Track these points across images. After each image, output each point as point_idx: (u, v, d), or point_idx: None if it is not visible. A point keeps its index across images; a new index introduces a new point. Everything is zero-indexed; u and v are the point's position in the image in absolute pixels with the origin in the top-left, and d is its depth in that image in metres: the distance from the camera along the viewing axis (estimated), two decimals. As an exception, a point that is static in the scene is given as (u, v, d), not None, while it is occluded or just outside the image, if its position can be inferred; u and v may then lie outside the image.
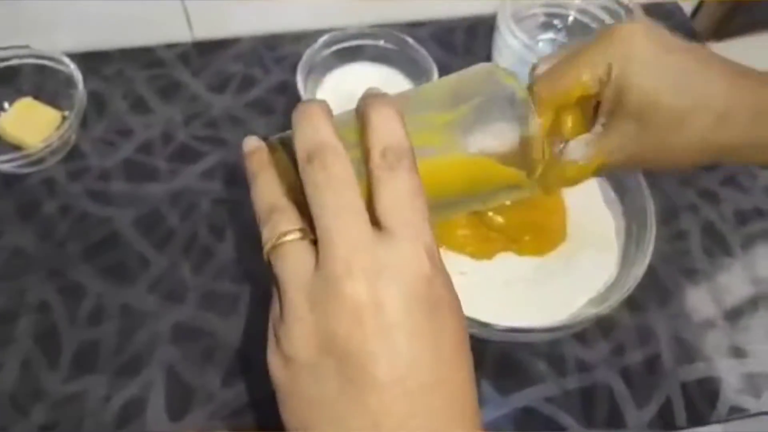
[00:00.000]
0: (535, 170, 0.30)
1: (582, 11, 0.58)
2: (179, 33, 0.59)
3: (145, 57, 0.59)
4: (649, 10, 0.56)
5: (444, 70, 0.53)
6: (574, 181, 0.34)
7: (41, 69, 0.52)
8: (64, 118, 0.52)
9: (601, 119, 0.33)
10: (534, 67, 0.35)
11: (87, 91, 0.52)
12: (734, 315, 0.48)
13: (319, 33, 0.54)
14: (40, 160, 0.50)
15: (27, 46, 0.52)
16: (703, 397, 0.44)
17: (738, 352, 0.47)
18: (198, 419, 0.42)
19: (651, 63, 0.31)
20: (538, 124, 0.30)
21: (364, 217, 0.23)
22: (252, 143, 0.27)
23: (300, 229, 0.24)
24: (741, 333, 0.47)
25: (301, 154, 0.24)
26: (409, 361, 0.22)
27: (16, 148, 0.50)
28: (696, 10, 0.71)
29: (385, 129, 0.24)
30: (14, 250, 0.48)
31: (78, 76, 0.51)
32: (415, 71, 0.54)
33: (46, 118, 0.51)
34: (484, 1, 0.62)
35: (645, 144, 0.32)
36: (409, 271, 0.23)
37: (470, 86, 0.30)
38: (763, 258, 0.51)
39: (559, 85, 0.33)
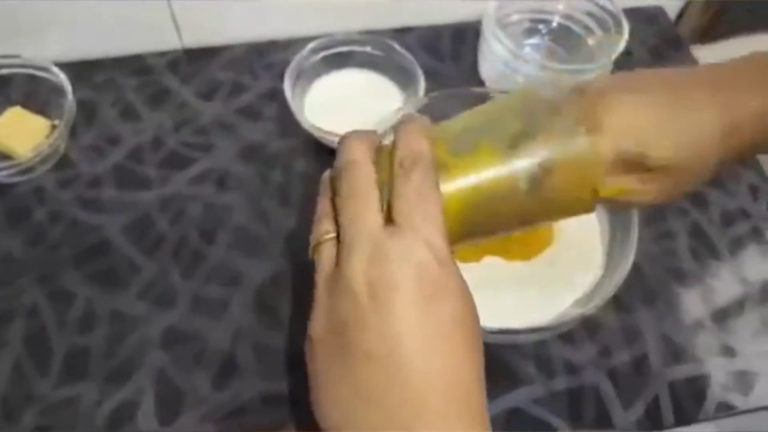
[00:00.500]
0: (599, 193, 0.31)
1: (566, 16, 0.59)
2: (169, 41, 0.60)
3: (134, 65, 0.59)
4: (633, 15, 0.56)
5: (431, 76, 0.54)
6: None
7: (30, 78, 0.53)
8: (53, 126, 0.52)
9: None
10: None
11: (76, 100, 0.52)
12: (721, 315, 0.49)
13: (308, 40, 0.54)
14: (29, 169, 0.50)
15: (17, 56, 0.52)
16: (691, 396, 0.45)
17: (726, 351, 0.47)
18: (188, 423, 0.42)
19: (654, 124, 0.30)
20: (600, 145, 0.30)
21: (375, 213, 0.26)
22: (325, 174, 0.31)
23: (337, 232, 0.28)
24: (728, 333, 0.48)
25: (336, 170, 0.29)
26: (394, 340, 0.24)
27: (5, 157, 0.50)
28: (680, 14, 0.71)
29: (406, 141, 0.28)
30: (4, 257, 0.48)
31: (67, 85, 0.51)
32: (402, 77, 0.55)
33: (36, 127, 0.52)
34: (470, 8, 0.63)
35: (660, 185, 0.32)
36: (404, 257, 0.25)
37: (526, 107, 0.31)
38: (750, 258, 0.52)
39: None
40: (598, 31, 0.57)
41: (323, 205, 0.30)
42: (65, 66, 0.53)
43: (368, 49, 0.55)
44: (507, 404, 0.44)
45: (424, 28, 0.63)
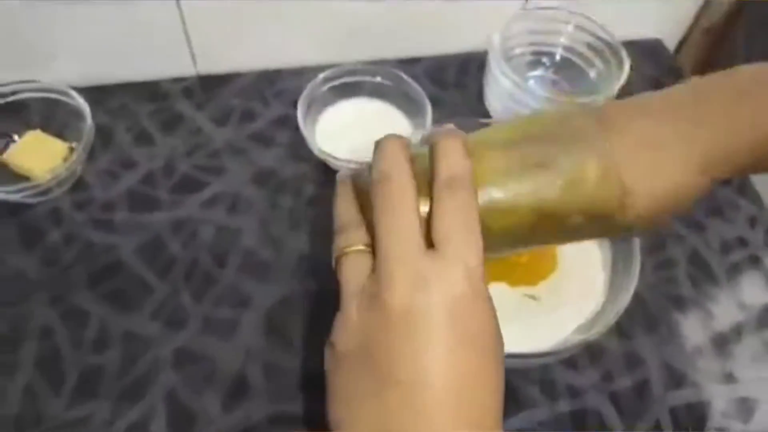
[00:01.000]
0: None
1: (568, 49, 0.61)
2: (184, 68, 0.62)
3: (149, 90, 0.61)
4: (633, 47, 0.58)
5: (437, 105, 0.56)
6: None
7: (49, 102, 0.54)
8: (71, 149, 0.53)
9: None
10: None
11: (93, 124, 0.53)
12: (721, 341, 0.50)
13: (317, 69, 0.56)
14: (47, 191, 0.52)
15: (36, 81, 0.54)
16: (692, 422, 0.46)
17: (725, 378, 0.48)
18: (198, 444, 0.43)
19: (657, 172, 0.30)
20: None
21: (416, 233, 0.26)
22: (344, 171, 0.32)
23: (365, 243, 0.28)
24: (728, 359, 0.49)
25: (372, 177, 0.28)
26: (427, 369, 0.25)
27: (24, 178, 0.51)
28: (679, 46, 0.73)
29: (450, 158, 0.28)
30: (18, 277, 0.49)
31: (86, 109, 0.53)
32: (410, 106, 0.57)
33: (54, 150, 0.53)
34: (474, 39, 0.65)
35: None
36: (442, 286, 0.25)
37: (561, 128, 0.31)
38: (748, 285, 0.53)
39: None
40: (599, 64, 0.59)
41: (347, 210, 0.29)
42: (81, 91, 0.54)
43: (378, 78, 0.57)
44: (512, 427, 0.44)
45: (431, 59, 0.65)
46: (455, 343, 0.25)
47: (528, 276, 0.47)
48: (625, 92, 0.55)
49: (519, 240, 0.31)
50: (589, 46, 0.59)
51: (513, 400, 0.45)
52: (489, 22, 0.58)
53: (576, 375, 0.47)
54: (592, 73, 0.59)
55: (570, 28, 0.60)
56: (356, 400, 0.26)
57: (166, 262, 0.50)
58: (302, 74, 0.60)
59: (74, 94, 0.54)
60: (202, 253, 0.51)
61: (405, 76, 0.56)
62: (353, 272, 0.27)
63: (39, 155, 0.52)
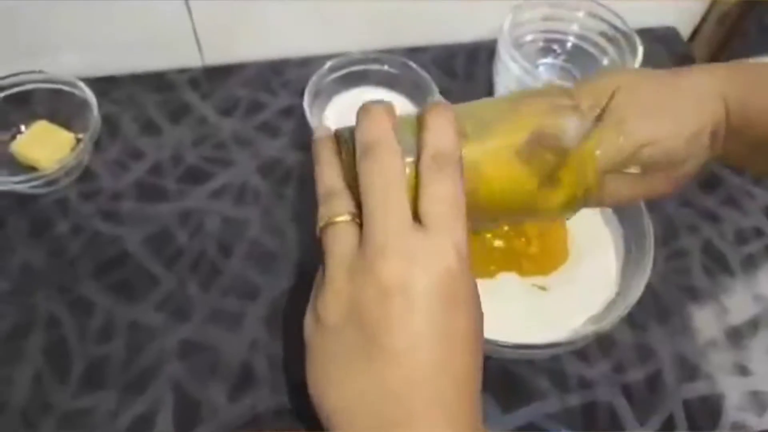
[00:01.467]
0: (587, 184, 0.31)
1: (580, 37, 0.60)
2: (190, 58, 0.61)
3: (156, 81, 0.60)
4: (647, 35, 0.57)
5: (446, 94, 0.55)
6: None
7: (56, 93, 0.54)
8: (78, 140, 0.53)
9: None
10: None
11: (100, 115, 0.53)
12: (735, 333, 0.49)
13: (325, 58, 0.56)
14: (54, 181, 0.52)
15: (43, 71, 0.53)
16: (706, 415, 0.45)
17: (740, 370, 0.47)
18: (204, 434, 0.42)
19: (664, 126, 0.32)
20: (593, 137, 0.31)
21: (406, 208, 0.26)
22: (322, 131, 0.31)
23: (351, 213, 0.27)
24: (743, 351, 0.48)
25: (359, 146, 0.27)
26: (417, 340, 0.25)
27: (31, 169, 0.51)
28: (693, 35, 0.72)
29: (438, 133, 0.27)
30: (26, 268, 0.49)
31: (93, 100, 0.53)
32: (418, 95, 0.56)
33: (61, 141, 0.53)
34: (484, 27, 0.64)
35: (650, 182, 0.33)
36: (435, 261, 0.25)
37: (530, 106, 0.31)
38: (764, 277, 0.52)
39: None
40: (612, 52, 0.57)
41: (331, 176, 0.29)
42: (88, 81, 0.54)
43: (385, 67, 0.56)
44: (521, 419, 0.44)
45: (439, 47, 0.65)
46: (445, 316, 0.25)
47: (538, 266, 0.46)
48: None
49: (499, 213, 0.32)
50: (602, 33, 0.58)
51: (522, 391, 0.45)
52: (499, 11, 0.57)
53: (587, 366, 0.46)
54: (605, 61, 0.58)
55: (582, 15, 0.59)
56: (348, 372, 0.25)
57: (172, 253, 0.50)
58: (309, 64, 0.60)
59: (81, 84, 0.53)
60: (208, 243, 0.51)
61: (413, 65, 0.55)
62: (340, 243, 0.27)
63: (46, 146, 0.52)
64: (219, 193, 0.54)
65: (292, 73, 0.62)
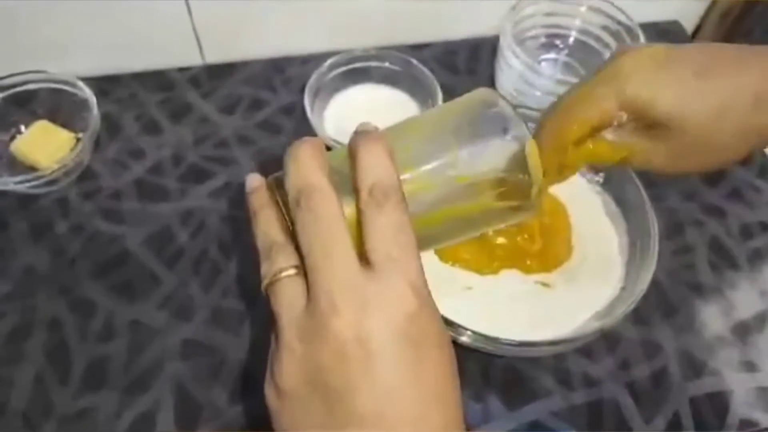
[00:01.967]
0: (535, 190, 0.30)
1: (583, 31, 0.59)
2: (190, 57, 0.61)
3: (156, 80, 0.60)
4: (650, 29, 0.57)
5: (448, 91, 0.54)
6: (597, 159, 0.34)
7: (56, 92, 0.54)
8: (77, 140, 0.53)
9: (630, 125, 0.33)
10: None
11: (100, 114, 0.53)
12: (742, 329, 0.48)
13: (326, 55, 0.55)
14: (54, 181, 0.51)
15: (43, 71, 0.53)
16: (712, 412, 0.44)
17: (747, 366, 0.46)
18: (206, 435, 0.42)
19: (665, 78, 0.31)
20: (531, 141, 0.30)
21: (350, 254, 0.24)
22: (254, 182, 0.29)
23: (295, 266, 0.25)
24: (750, 347, 0.47)
25: (291, 195, 0.25)
26: (388, 396, 0.23)
27: (31, 169, 0.51)
28: (697, 29, 0.71)
29: (373, 166, 0.25)
30: (27, 268, 0.49)
31: (92, 99, 0.52)
32: (419, 92, 0.56)
33: (61, 140, 0.53)
34: (486, 23, 0.63)
35: (679, 149, 0.32)
36: (392, 307, 0.23)
37: (463, 117, 0.30)
38: (770, 272, 0.51)
39: (563, 131, 0.33)
40: (615, 46, 0.57)
41: (269, 229, 0.27)
42: (89, 81, 0.54)
43: (386, 64, 0.56)
44: (526, 417, 0.43)
45: (441, 44, 0.64)
46: (413, 364, 0.23)
47: (542, 264, 0.46)
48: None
49: (451, 232, 0.31)
50: (605, 27, 0.58)
51: (526, 389, 0.44)
52: (501, 6, 0.56)
53: (592, 363, 0.46)
54: (607, 56, 0.57)
55: (584, 9, 0.58)
56: None
57: (173, 253, 0.50)
58: (310, 61, 0.59)
59: (81, 84, 0.53)
60: (210, 243, 0.50)
61: (414, 62, 0.55)
62: (288, 302, 0.25)
63: (46, 145, 0.52)
64: (221, 191, 0.53)
65: (293, 71, 0.61)
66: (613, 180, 0.48)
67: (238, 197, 0.53)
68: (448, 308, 0.34)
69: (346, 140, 0.50)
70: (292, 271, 0.25)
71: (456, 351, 0.26)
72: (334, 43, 0.61)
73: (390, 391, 0.23)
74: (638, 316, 0.47)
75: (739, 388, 0.45)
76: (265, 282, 0.26)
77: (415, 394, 0.23)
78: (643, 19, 0.59)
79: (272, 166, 0.54)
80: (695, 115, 0.31)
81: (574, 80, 0.53)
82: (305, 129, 0.54)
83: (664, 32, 0.68)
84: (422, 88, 0.55)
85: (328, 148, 0.29)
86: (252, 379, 0.44)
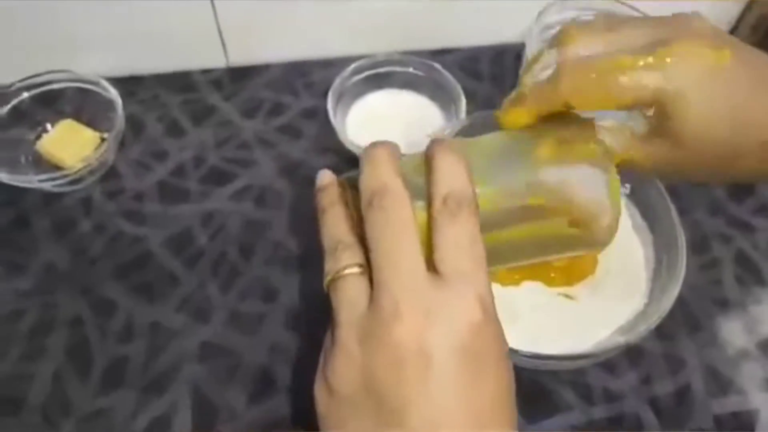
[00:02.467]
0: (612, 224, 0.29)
1: (610, 40, 0.58)
2: (214, 59, 0.61)
3: (180, 82, 0.61)
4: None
5: (471, 97, 0.54)
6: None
7: (82, 92, 0.54)
8: (102, 139, 0.54)
9: (644, 120, 0.30)
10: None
11: (125, 115, 0.53)
12: (769, 347, 0.47)
13: (349, 60, 0.55)
14: (78, 180, 0.52)
15: (69, 71, 0.54)
16: (737, 431, 0.43)
17: (773, 386, 0.45)
18: (222, 438, 0.42)
19: (706, 98, 0.27)
20: (617, 181, 0.29)
21: (419, 260, 0.24)
22: (325, 179, 0.29)
23: (360, 265, 0.25)
24: (776, 366, 0.46)
25: (363, 195, 0.25)
26: (444, 411, 0.22)
27: (55, 167, 0.52)
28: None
29: (449, 175, 0.25)
30: (49, 266, 0.49)
31: (118, 100, 0.53)
32: (442, 98, 0.55)
33: (86, 140, 0.53)
34: (511, 29, 0.63)
35: (687, 164, 0.30)
36: (457, 318, 0.23)
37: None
38: (798, 289, 0.50)
39: (593, 97, 0.29)
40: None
41: (337, 227, 0.26)
42: (113, 81, 0.54)
43: (410, 69, 0.56)
44: (545, 430, 0.43)
45: (464, 50, 0.64)
46: (472, 379, 0.23)
47: (566, 278, 0.45)
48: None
49: (515, 254, 0.31)
50: (632, 36, 0.57)
51: (545, 403, 0.44)
52: (525, 13, 0.56)
53: (613, 378, 0.45)
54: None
55: (611, 17, 0.57)
56: None
57: (193, 254, 0.50)
58: (333, 65, 0.59)
59: (106, 84, 0.54)
60: (229, 245, 0.51)
61: (438, 67, 0.55)
62: (349, 300, 0.24)
63: (71, 144, 0.53)
64: (241, 194, 0.53)
65: (315, 75, 0.61)
66: (640, 191, 0.47)
67: (258, 200, 0.53)
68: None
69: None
70: (356, 269, 0.25)
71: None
72: (357, 47, 0.61)
73: (446, 405, 0.22)
74: (662, 330, 0.46)
75: (766, 407, 0.44)
76: (327, 278, 0.26)
77: (471, 410, 0.23)
78: (672, 28, 0.58)
79: (294, 170, 0.54)
80: (717, 144, 0.28)
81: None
82: (327, 133, 0.54)
83: (692, 41, 0.66)
84: (445, 94, 0.55)
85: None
86: (269, 382, 0.44)
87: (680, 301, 0.41)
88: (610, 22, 0.30)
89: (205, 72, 0.61)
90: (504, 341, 0.25)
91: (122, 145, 0.55)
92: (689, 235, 0.43)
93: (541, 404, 0.44)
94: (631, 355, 0.45)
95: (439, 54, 0.62)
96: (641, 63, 0.27)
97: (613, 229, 0.30)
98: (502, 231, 0.28)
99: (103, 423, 0.42)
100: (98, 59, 0.58)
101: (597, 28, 0.29)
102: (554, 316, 0.43)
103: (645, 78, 0.27)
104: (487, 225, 0.27)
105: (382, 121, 0.55)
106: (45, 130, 0.54)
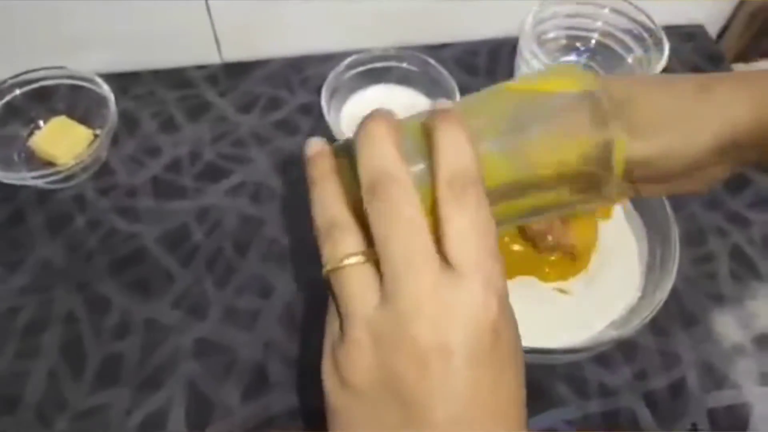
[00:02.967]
0: (612, 177, 0.29)
1: (605, 34, 0.58)
2: (209, 55, 0.61)
3: (174, 78, 0.60)
4: (673, 32, 0.56)
5: (466, 92, 0.53)
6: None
7: (75, 89, 0.54)
8: (95, 136, 0.53)
9: None
10: None
11: (118, 110, 0.53)
12: (764, 340, 0.47)
13: (345, 55, 0.55)
14: (71, 177, 0.52)
15: (62, 67, 0.54)
16: (731, 425, 0.43)
17: (768, 380, 0.45)
18: (217, 434, 0.42)
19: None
20: (621, 140, 0.28)
21: (433, 254, 0.23)
22: (316, 146, 0.27)
23: (363, 252, 0.24)
24: (771, 360, 0.46)
25: (364, 180, 0.23)
26: (465, 407, 0.22)
27: (49, 164, 0.51)
28: (721, 33, 0.70)
29: (452, 154, 0.24)
30: (43, 263, 0.49)
31: (110, 96, 0.52)
32: (437, 93, 0.55)
33: (79, 136, 0.53)
34: (506, 24, 0.63)
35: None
36: (477, 318, 0.22)
37: (548, 101, 0.29)
38: (794, 283, 0.50)
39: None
40: (638, 50, 0.56)
41: (332, 204, 0.25)
42: (108, 77, 0.54)
43: (404, 64, 0.56)
44: (539, 425, 0.43)
45: (460, 45, 0.64)
46: (493, 375, 0.23)
47: (559, 272, 0.45)
48: (664, 78, 0.52)
49: (517, 217, 0.30)
50: (627, 30, 0.57)
51: (540, 397, 0.44)
52: (521, 7, 0.55)
53: (608, 372, 0.45)
54: (630, 59, 0.57)
55: (607, 11, 0.57)
56: None
57: (188, 251, 0.50)
58: (329, 61, 0.59)
59: (99, 80, 0.53)
60: (225, 241, 0.50)
61: (432, 62, 0.54)
62: (356, 293, 0.23)
63: (64, 141, 0.52)
64: (236, 190, 0.53)
65: (311, 70, 0.61)
66: (634, 186, 0.47)
67: (253, 196, 0.53)
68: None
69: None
70: (360, 258, 0.23)
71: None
72: (353, 42, 0.60)
73: (466, 406, 0.22)
74: (656, 325, 0.46)
75: (759, 401, 0.44)
76: (327, 267, 0.24)
77: (493, 407, 0.23)
78: (667, 22, 0.57)
79: (289, 166, 0.54)
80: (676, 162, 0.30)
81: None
82: (322, 128, 0.54)
83: (688, 36, 0.66)
84: (440, 89, 0.55)
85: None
86: (264, 379, 0.44)
87: (675, 295, 0.41)
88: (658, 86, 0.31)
89: (200, 68, 0.61)
90: (518, 340, 0.24)
91: (116, 141, 0.55)
92: (685, 229, 0.43)
93: (536, 399, 0.44)
94: (625, 349, 0.45)
95: (435, 49, 0.62)
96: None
97: (615, 190, 0.29)
98: (511, 201, 0.28)
99: (98, 420, 0.42)
100: (93, 56, 0.58)
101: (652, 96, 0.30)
102: (549, 310, 0.43)
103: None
104: (495, 197, 0.26)
105: (377, 116, 0.55)
106: (38, 127, 0.54)
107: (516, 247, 0.44)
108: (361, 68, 0.55)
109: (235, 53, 0.62)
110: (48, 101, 0.54)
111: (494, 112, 0.28)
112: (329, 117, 0.52)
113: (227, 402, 0.43)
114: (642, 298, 0.43)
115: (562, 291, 0.44)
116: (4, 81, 0.53)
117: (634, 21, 0.56)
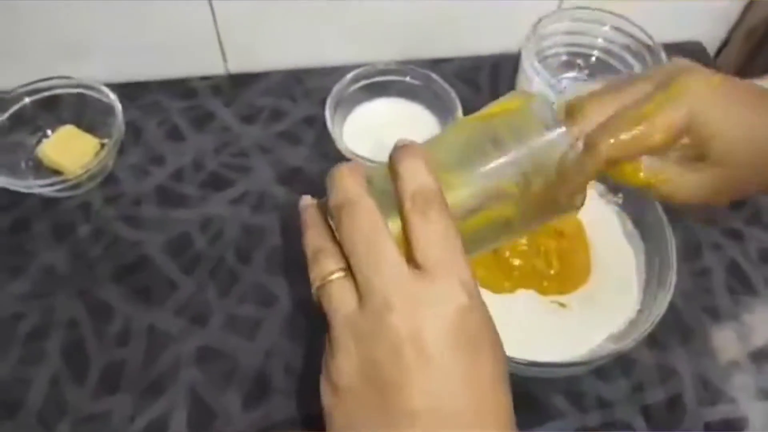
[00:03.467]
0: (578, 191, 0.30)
1: (605, 51, 0.59)
2: (214, 66, 0.62)
3: (180, 88, 0.61)
4: (672, 50, 0.56)
5: (468, 107, 0.54)
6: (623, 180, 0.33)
7: (82, 98, 0.55)
8: (102, 145, 0.54)
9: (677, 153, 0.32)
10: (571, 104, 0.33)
11: (124, 120, 0.54)
12: (760, 355, 0.48)
13: (347, 68, 0.56)
14: (77, 185, 0.52)
15: (70, 77, 0.54)
16: (727, 439, 0.44)
17: (764, 394, 0.46)
18: (218, 442, 0.42)
19: (728, 117, 0.30)
20: (574, 138, 0.30)
21: (396, 256, 0.25)
22: (306, 201, 0.31)
23: (343, 269, 0.26)
24: (767, 374, 0.47)
25: (332, 211, 0.27)
26: (443, 392, 0.23)
27: (55, 172, 0.52)
28: (720, 49, 0.71)
29: (412, 175, 0.26)
30: (47, 269, 0.50)
31: (117, 106, 0.53)
32: (439, 107, 0.56)
33: (86, 145, 0.53)
34: (508, 40, 0.63)
35: (715, 183, 0.32)
36: (445, 303, 0.24)
37: (502, 122, 0.31)
38: (789, 298, 0.51)
39: (629, 148, 0.31)
40: (637, 66, 0.57)
41: (316, 238, 0.28)
42: (114, 87, 0.55)
43: (407, 78, 0.56)
44: (537, 438, 0.43)
45: (462, 59, 0.64)
46: (468, 359, 0.24)
47: (559, 286, 0.45)
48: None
49: (496, 234, 0.31)
50: (627, 47, 0.58)
51: (538, 410, 0.44)
52: (523, 24, 0.56)
53: (605, 386, 0.45)
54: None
55: (607, 28, 0.58)
56: (369, 430, 0.24)
57: (191, 259, 0.50)
58: (332, 73, 0.60)
59: (106, 90, 0.54)
60: (227, 250, 0.51)
61: (435, 76, 0.55)
62: (340, 302, 0.25)
63: (71, 150, 0.53)
64: (239, 200, 0.54)
65: (314, 83, 0.62)
66: (631, 200, 0.48)
67: (256, 205, 0.54)
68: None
69: (365, 153, 0.51)
70: (341, 273, 0.26)
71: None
72: (356, 55, 0.61)
73: (445, 387, 0.23)
74: (653, 339, 0.47)
75: (756, 416, 0.45)
76: (315, 285, 0.27)
77: (470, 390, 0.24)
78: (666, 39, 0.58)
79: (292, 177, 0.55)
80: (749, 156, 0.31)
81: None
82: (325, 140, 0.54)
83: (686, 53, 0.67)
84: (442, 103, 0.55)
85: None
86: (265, 387, 0.45)
87: (673, 309, 0.42)
88: (610, 85, 0.33)
89: (206, 78, 0.62)
90: (493, 325, 0.26)
91: (121, 150, 0.56)
92: (681, 243, 0.44)
93: (534, 411, 0.44)
94: (623, 363, 0.46)
95: (437, 63, 0.63)
96: (662, 103, 0.30)
97: (578, 197, 0.31)
98: (475, 217, 0.29)
99: (99, 426, 0.43)
100: (99, 65, 0.59)
101: (602, 94, 0.32)
102: (547, 324, 0.44)
103: (671, 113, 0.30)
104: (460, 213, 0.28)
105: (379, 129, 0.56)
106: (45, 136, 0.55)
107: (516, 262, 0.45)
108: (365, 81, 0.56)
109: (240, 65, 0.62)
110: (56, 110, 0.55)
111: (452, 141, 0.31)
112: (333, 129, 0.52)
113: (228, 409, 0.43)
114: (640, 312, 0.43)
115: (561, 305, 0.45)
116: (14, 90, 0.53)
117: (633, 38, 0.57)
